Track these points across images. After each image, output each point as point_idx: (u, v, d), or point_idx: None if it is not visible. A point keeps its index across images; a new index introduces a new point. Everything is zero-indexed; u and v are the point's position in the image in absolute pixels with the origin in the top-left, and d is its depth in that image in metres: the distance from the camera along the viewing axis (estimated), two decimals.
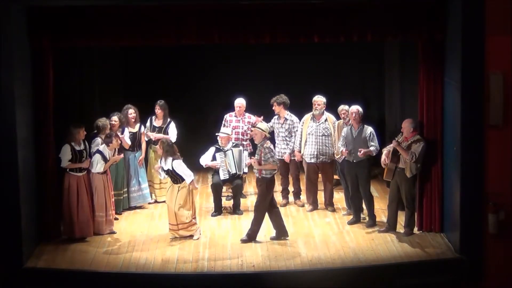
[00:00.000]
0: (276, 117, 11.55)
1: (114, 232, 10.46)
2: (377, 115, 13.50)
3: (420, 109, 10.19)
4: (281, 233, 10.21)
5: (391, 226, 10.39)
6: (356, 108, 10.61)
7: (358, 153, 10.44)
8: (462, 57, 9.28)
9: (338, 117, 11.25)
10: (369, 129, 10.56)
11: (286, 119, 11.49)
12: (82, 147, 10.19)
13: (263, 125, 10.33)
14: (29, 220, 9.57)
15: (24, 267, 9.31)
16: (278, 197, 11.98)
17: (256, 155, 10.12)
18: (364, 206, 10.80)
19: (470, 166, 9.41)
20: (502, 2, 9.18)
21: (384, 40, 11.20)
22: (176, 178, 10.15)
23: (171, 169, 10.10)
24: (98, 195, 10.31)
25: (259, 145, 10.10)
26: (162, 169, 10.22)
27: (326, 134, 11.15)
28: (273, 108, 11.45)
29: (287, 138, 11.49)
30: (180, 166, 10.10)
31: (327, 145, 11.17)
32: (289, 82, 13.24)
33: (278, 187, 12.23)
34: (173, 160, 10.10)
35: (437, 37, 9.83)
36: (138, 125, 11.47)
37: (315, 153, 11.21)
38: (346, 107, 10.91)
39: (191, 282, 9.19)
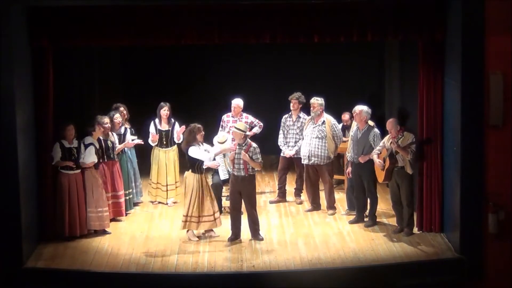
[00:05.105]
0: (289, 113, 11.55)
1: (108, 233, 10.37)
2: (377, 115, 13.47)
3: (420, 109, 10.18)
4: (238, 235, 10.21)
5: (402, 227, 10.35)
6: (359, 108, 10.59)
7: (359, 158, 10.45)
8: (462, 57, 9.28)
9: (338, 118, 11.31)
10: (373, 132, 10.53)
11: (299, 117, 11.50)
12: (73, 145, 10.10)
13: (241, 125, 10.21)
14: (29, 220, 9.57)
15: (24, 267, 9.30)
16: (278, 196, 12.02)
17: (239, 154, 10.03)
18: (366, 206, 10.77)
19: (470, 166, 9.41)
20: (502, 2, 9.18)
21: (384, 40, 11.20)
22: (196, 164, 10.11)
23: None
24: (94, 191, 10.24)
25: (243, 144, 10.00)
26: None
27: (319, 136, 11.07)
28: (292, 105, 11.45)
29: (297, 136, 11.50)
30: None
31: (319, 147, 11.08)
32: (288, 82, 13.21)
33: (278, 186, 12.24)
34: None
35: (437, 37, 9.83)
36: (123, 128, 11.27)
37: (307, 154, 11.16)
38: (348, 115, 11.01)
39: (191, 282, 9.18)
